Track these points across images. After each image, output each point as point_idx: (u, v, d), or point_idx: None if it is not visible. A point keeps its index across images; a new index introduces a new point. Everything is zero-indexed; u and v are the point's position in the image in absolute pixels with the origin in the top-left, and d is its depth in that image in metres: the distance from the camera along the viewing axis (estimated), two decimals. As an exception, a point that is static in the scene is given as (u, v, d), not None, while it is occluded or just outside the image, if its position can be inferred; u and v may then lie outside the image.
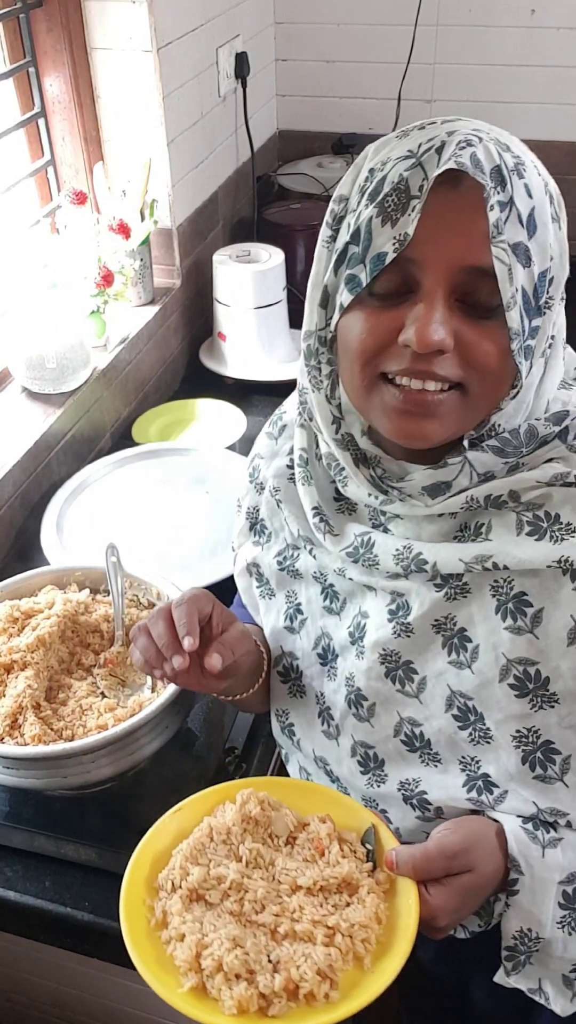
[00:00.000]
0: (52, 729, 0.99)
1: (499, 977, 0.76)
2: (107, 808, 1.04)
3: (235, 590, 1.10)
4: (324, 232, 0.76)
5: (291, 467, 0.91)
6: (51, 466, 1.51)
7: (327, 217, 0.76)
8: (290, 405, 0.95)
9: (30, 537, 1.44)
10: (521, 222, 0.67)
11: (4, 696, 1.00)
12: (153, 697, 1.01)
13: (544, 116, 2.19)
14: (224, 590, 1.22)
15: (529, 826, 0.77)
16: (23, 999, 1.31)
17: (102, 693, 1.04)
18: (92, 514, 1.46)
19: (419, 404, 0.72)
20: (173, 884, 0.74)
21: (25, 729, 0.97)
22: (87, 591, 1.14)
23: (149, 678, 1.06)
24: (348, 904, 0.72)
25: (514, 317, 0.68)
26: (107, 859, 1.01)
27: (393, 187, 0.68)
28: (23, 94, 1.65)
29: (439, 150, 0.67)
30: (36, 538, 1.41)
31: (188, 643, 0.77)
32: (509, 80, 2.23)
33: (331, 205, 0.76)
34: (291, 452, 0.91)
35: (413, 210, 0.67)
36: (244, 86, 2.08)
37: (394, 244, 0.68)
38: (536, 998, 0.75)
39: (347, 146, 2.37)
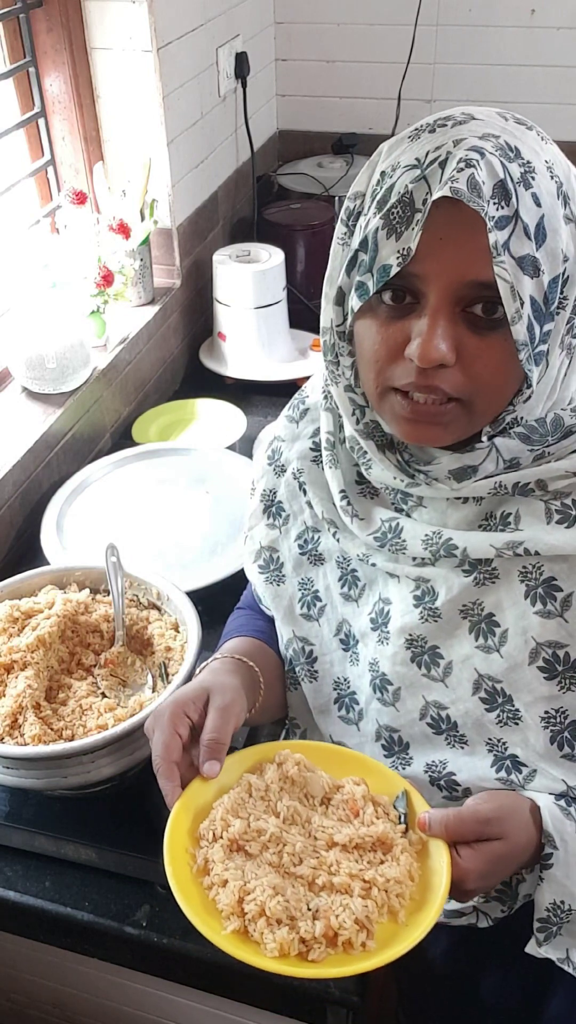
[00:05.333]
0: (52, 729, 0.99)
1: (530, 948, 0.77)
2: (107, 808, 1.04)
3: (237, 589, 1.10)
4: (339, 228, 0.77)
5: (314, 449, 0.93)
6: (51, 466, 1.51)
7: (342, 214, 0.77)
8: (312, 388, 0.96)
9: (30, 537, 1.44)
10: (528, 234, 0.67)
11: (4, 696, 1.00)
12: (153, 697, 1.01)
13: (544, 116, 2.17)
14: (225, 590, 1.22)
15: (562, 802, 0.78)
16: (23, 999, 1.31)
17: (102, 693, 1.04)
18: (92, 514, 1.46)
19: (424, 415, 0.75)
20: (214, 834, 0.76)
21: (25, 729, 0.97)
22: (87, 591, 1.14)
23: (150, 677, 1.06)
24: (382, 862, 0.74)
25: (520, 330, 0.69)
26: (107, 859, 1.01)
27: (399, 199, 0.69)
28: (23, 94, 1.65)
29: (443, 163, 0.67)
30: (36, 538, 1.41)
31: (208, 769, 0.77)
32: (509, 80, 2.23)
33: (347, 202, 0.76)
34: (313, 435, 0.93)
35: (416, 225, 0.68)
36: (244, 86, 2.08)
37: (397, 258, 0.69)
38: (564, 967, 0.77)
39: (347, 146, 2.37)
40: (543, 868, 0.75)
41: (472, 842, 0.74)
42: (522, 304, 0.68)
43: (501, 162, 0.67)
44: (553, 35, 2.16)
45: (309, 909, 0.70)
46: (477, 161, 0.66)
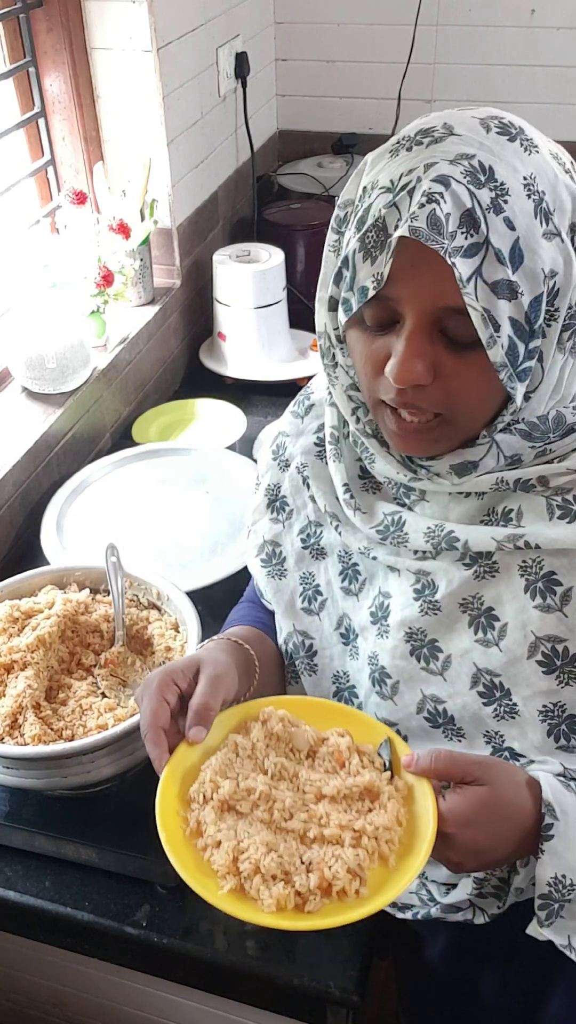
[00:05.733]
0: (52, 729, 0.99)
1: (532, 929, 0.76)
2: (107, 808, 1.04)
3: (237, 589, 1.10)
4: (330, 236, 0.78)
5: (319, 444, 0.93)
6: (51, 466, 1.51)
7: (333, 221, 0.77)
8: (317, 385, 0.97)
9: (30, 537, 1.44)
10: (501, 259, 0.67)
11: (4, 696, 1.00)
12: (153, 697, 1.01)
13: (544, 116, 2.18)
14: (225, 590, 1.23)
15: (562, 777, 0.78)
16: (23, 999, 1.31)
17: (102, 693, 1.04)
18: (92, 514, 1.46)
19: (411, 431, 0.77)
20: (205, 796, 0.76)
21: (25, 729, 0.97)
22: (87, 591, 1.14)
23: (149, 678, 1.06)
24: (370, 810, 0.76)
25: (497, 353, 0.69)
26: (107, 859, 1.01)
27: (373, 222, 0.70)
28: (23, 94, 1.65)
29: (411, 192, 0.67)
30: (36, 538, 1.41)
31: (194, 735, 0.78)
32: (509, 80, 2.23)
33: (336, 209, 0.77)
34: (318, 431, 0.94)
35: (388, 250, 0.69)
36: (244, 86, 2.08)
37: (373, 282, 0.70)
38: (568, 953, 0.76)
39: (347, 146, 2.37)
40: (543, 840, 0.74)
41: (457, 786, 0.74)
42: (497, 328, 0.68)
43: (468, 190, 0.67)
44: (553, 35, 2.16)
45: (302, 862, 0.72)
46: (440, 195, 0.66)
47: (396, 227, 0.68)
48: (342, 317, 0.76)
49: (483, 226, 0.67)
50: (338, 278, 0.76)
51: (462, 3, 2.17)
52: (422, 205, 0.66)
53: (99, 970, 1.14)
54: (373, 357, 0.75)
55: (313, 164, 2.36)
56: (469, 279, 0.66)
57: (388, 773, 0.78)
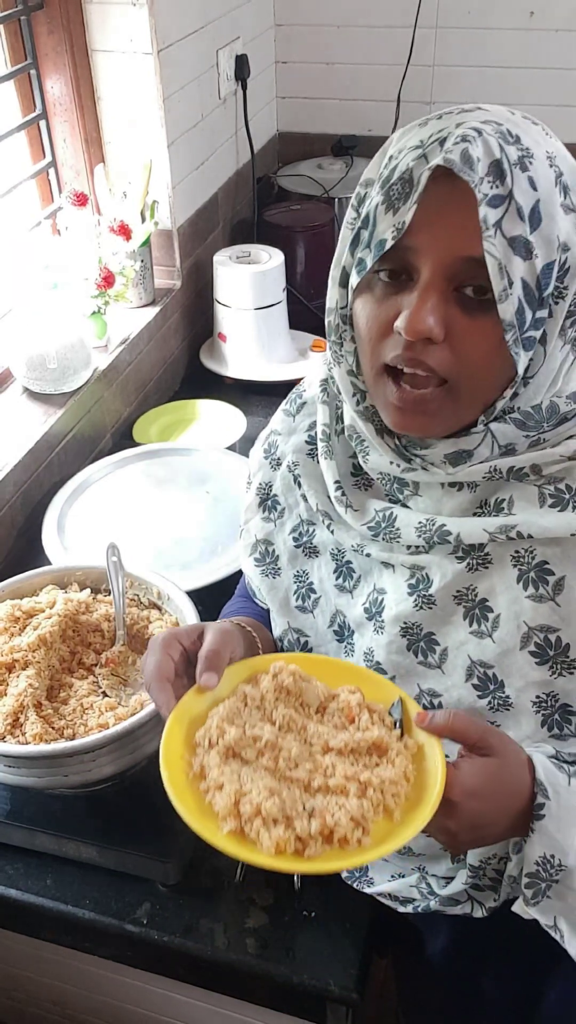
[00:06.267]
0: (53, 728, 0.99)
1: (518, 907, 0.76)
2: (108, 807, 1.04)
3: (235, 589, 1.10)
4: (349, 214, 0.79)
5: (310, 443, 0.94)
6: (52, 466, 1.52)
7: (352, 199, 0.79)
8: (309, 383, 0.97)
9: (31, 537, 1.45)
10: (521, 215, 0.68)
11: (6, 695, 1.01)
12: (154, 696, 1.01)
13: (543, 118, 2.18)
14: (225, 590, 1.23)
15: (554, 758, 0.78)
16: (24, 997, 1.31)
17: (103, 692, 1.05)
18: (93, 514, 1.47)
19: (411, 402, 0.75)
20: (211, 741, 0.76)
21: (27, 728, 0.97)
22: (88, 591, 1.15)
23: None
24: (378, 764, 0.75)
25: (507, 309, 0.70)
26: (108, 857, 1.02)
27: (399, 176, 0.71)
28: (24, 96, 1.65)
29: (442, 142, 0.69)
30: (37, 538, 1.41)
31: (206, 680, 0.78)
32: (508, 82, 2.24)
33: (357, 188, 0.78)
34: (310, 429, 0.94)
35: (411, 199, 0.69)
36: (244, 88, 2.09)
37: (393, 231, 0.71)
38: (552, 934, 0.76)
39: (347, 148, 2.38)
40: (534, 820, 0.74)
41: (467, 752, 0.74)
42: (510, 284, 0.69)
43: (499, 143, 0.69)
44: (552, 37, 2.16)
45: (305, 809, 0.71)
46: (474, 138, 0.68)
47: (423, 175, 0.69)
48: (355, 279, 0.76)
49: (508, 179, 0.68)
50: (354, 245, 0.77)
51: (461, 5, 2.18)
52: (457, 143, 0.68)
53: (100, 968, 1.14)
54: (382, 316, 0.74)
55: (313, 166, 2.37)
56: (491, 227, 0.68)
57: (398, 732, 0.77)
